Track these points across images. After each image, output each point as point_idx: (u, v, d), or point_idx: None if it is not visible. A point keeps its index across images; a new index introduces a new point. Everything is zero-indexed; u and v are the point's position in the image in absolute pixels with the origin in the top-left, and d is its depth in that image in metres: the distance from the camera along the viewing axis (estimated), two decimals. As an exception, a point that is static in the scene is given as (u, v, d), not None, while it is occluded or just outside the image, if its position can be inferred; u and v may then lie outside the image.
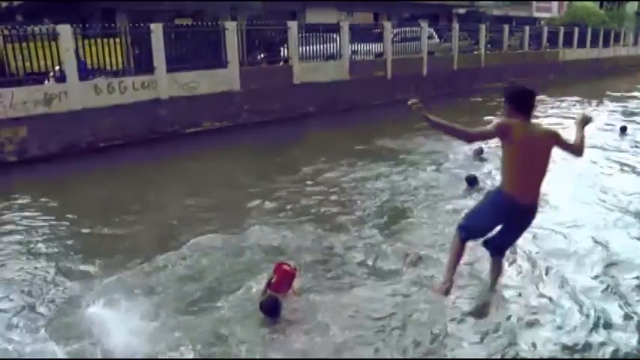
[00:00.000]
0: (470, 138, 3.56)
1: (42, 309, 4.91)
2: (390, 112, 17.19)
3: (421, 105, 3.40)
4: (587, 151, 11.01)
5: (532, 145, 3.43)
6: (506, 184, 3.60)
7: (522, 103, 3.43)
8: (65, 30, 11.68)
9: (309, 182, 9.08)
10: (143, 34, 13.10)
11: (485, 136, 3.71)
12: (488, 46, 24.33)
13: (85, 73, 12.09)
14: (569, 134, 4.13)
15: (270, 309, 4.29)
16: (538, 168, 3.52)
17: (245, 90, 14.69)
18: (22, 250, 6.40)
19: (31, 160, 10.84)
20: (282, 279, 4.55)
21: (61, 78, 11.75)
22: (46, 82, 11.67)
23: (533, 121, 3.59)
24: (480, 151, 10.86)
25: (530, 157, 3.43)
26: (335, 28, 17.63)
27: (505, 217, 3.69)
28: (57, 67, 11.77)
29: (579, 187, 8.41)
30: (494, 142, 12.49)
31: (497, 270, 4.42)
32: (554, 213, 7.11)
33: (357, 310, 4.57)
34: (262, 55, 15.96)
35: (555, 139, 3.59)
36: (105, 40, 12.66)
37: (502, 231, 3.85)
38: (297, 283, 4.79)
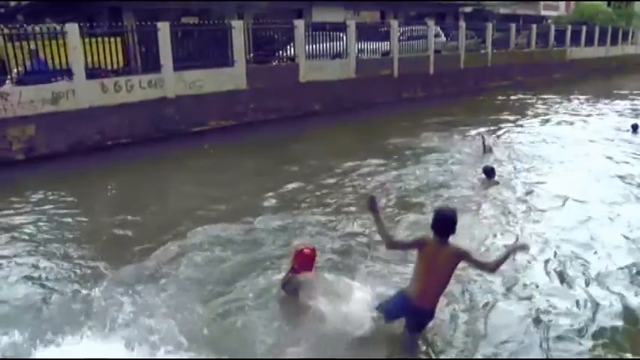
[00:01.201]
0: (390, 245, 4.17)
1: (57, 301, 4.97)
2: (396, 111, 17.18)
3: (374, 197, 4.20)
4: (604, 150, 10.93)
5: (437, 261, 4.01)
6: (410, 287, 4.17)
7: (439, 228, 4.04)
8: (73, 29, 11.71)
9: (318, 177, 9.09)
10: (150, 32, 13.12)
11: (405, 246, 4.43)
12: (493, 44, 24.18)
13: (44, 72, 11.47)
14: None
15: (292, 290, 4.60)
16: (439, 281, 4.08)
17: (251, 89, 14.67)
18: (37, 244, 6.46)
19: (38, 159, 10.87)
20: (304, 262, 4.72)
21: (21, 80, 11.17)
22: (7, 83, 11.07)
23: (451, 241, 4.11)
24: (490, 149, 10.89)
25: (433, 270, 4.02)
26: (341, 27, 17.60)
27: (404, 314, 4.23)
28: (20, 69, 11.28)
29: (601, 185, 8.39)
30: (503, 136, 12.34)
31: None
32: (580, 209, 7.12)
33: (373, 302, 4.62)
34: (251, 55, 15.62)
35: (462, 258, 4.09)
36: (104, 38, 12.49)
37: (406, 323, 4.30)
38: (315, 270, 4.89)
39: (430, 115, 16.00)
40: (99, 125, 11.97)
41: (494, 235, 6.39)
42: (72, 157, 11.06)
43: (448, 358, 4.12)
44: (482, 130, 12.90)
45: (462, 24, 23.40)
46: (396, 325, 4.31)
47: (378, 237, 6.00)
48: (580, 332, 4.33)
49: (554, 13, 41.68)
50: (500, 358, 4.09)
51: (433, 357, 4.13)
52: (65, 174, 10.13)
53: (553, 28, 29.18)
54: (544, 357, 4.08)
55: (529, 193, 7.99)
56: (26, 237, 6.74)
